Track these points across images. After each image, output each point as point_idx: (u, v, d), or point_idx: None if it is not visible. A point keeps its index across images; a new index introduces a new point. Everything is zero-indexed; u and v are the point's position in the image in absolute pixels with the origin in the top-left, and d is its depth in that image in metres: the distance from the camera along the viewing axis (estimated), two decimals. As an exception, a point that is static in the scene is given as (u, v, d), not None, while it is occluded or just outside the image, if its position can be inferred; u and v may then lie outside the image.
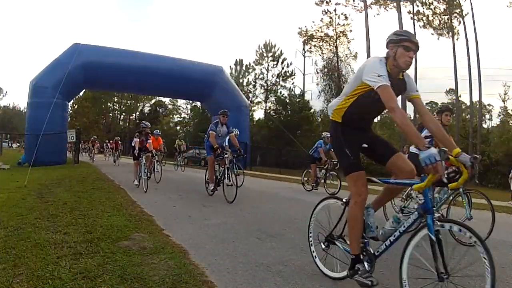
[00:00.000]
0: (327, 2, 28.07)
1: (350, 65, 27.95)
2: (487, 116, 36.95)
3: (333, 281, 2.56)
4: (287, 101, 30.68)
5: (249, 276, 2.58)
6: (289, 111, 28.97)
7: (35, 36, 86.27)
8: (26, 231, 3.40)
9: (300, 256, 3.12)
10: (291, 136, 21.86)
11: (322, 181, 8.66)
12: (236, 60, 36.98)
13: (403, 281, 2.14)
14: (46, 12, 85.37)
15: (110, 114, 50.88)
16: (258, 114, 36.41)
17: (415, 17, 25.76)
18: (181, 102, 45.44)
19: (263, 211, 5.48)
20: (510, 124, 27.97)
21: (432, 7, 25.63)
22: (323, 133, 9.17)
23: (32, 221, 3.82)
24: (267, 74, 34.35)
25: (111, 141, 24.61)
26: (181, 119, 47.92)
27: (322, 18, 29.43)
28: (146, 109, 48.51)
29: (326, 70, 28.12)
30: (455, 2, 24.73)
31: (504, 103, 32.35)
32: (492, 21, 43.48)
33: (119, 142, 19.32)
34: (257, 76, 34.75)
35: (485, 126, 30.09)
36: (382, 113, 2.62)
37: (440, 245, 2.02)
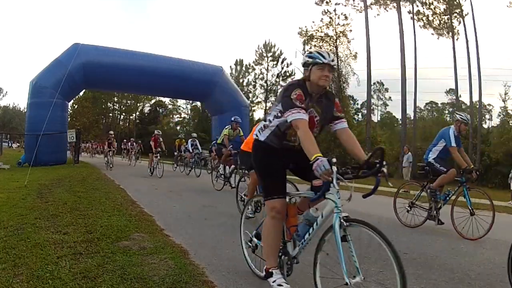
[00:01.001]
0: (327, 2, 28.01)
1: (350, 65, 27.91)
2: (487, 116, 36.90)
3: (333, 280, 2.56)
4: (287, 101, 30.64)
5: (249, 276, 2.58)
6: (289, 111, 28.96)
7: (35, 36, 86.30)
8: (26, 231, 3.40)
9: (300, 256, 3.12)
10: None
11: None
12: (236, 60, 37.06)
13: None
14: (46, 12, 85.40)
15: (110, 114, 50.84)
16: (258, 114, 36.40)
17: (415, 17, 25.73)
18: (181, 102, 45.49)
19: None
20: (510, 124, 27.96)
21: (432, 7, 25.62)
22: None
23: (32, 221, 3.81)
24: (267, 74, 34.40)
25: (131, 140, 20.24)
26: (181, 119, 47.94)
27: (322, 18, 29.37)
28: (146, 109, 48.51)
29: (326, 70, 28.06)
30: (455, 2, 24.71)
31: (504, 103, 32.32)
32: (492, 21, 43.45)
33: (161, 139, 11.80)
34: (257, 76, 34.79)
35: (485, 126, 30.11)
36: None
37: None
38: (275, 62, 34.09)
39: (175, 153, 14.96)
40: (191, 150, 12.80)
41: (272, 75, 34.24)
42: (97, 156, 26.19)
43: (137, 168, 15.79)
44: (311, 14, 71.60)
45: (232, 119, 7.99)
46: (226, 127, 8.00)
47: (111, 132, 16.37)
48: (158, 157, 11.22)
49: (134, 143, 18.95)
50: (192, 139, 13.19)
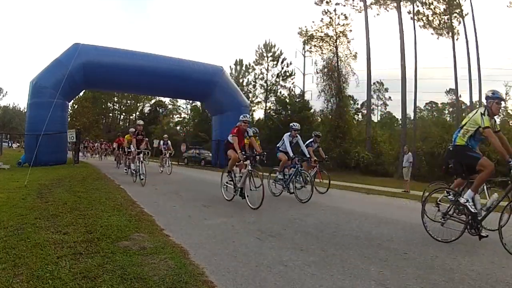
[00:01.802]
0: (327, 2, 28.00)
1: (350, 65, 27.87)
2: (487, 116, 36.81)
3: (333, 281, 2.56)
4: (287, 101, 30.67)
5: (249, 276, 2.58)
6: (289, 111, 28.95)
7: (35, 36, 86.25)
8: (26, 231, 3.40)
9: (300, 256, 3.12)
10: (291, 136, 21.87)
11: None
12: (236, 60, 37.00)
13: None
14: (46, 12, 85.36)
15: (110, 114, 50.89)
16: (258, 114, 36.36)
17: (415, 17, 25.72)
18: (181, 102, 45.52)
19: (263, 211, 5.48)
20: (510, 124, 27.95)
21: (432, 7, 25.61)
22: None
23: (32, 221, 3.81)
24: (267, 74, 34.34)
25: (164, 138, 13.68)
26: (181, 119, 47.96)
27: (322, 18, 29.33)
28: (146, 109, 48.54)
29: (326, 70, 28.06)
30: (455, 2, 24.71)
31: (505, 103, 32.32)
32: (492, 21, 43.40)
33: (250, 133, 6.76)
34: (257, 76, 34.73)
35: (485, 126, 30.00)
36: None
37: None
38: (275, 62, 34.04)
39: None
40: (291, 154, 7.23)
41: (272, 75, 34.20)
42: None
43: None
44: (311, 14, 71.60)
45: (491, 94, 4.13)
46: (480, 110, 4.11)
47: (141, 122, 10.99)
48: (249, 165, 5.92)
49: (168, 142, 13.43)
50: (293, 132, 7.63)
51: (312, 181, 6.95)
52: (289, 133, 7.61)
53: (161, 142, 13.62)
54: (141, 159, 8.64)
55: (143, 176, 8.25)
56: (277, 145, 7.91)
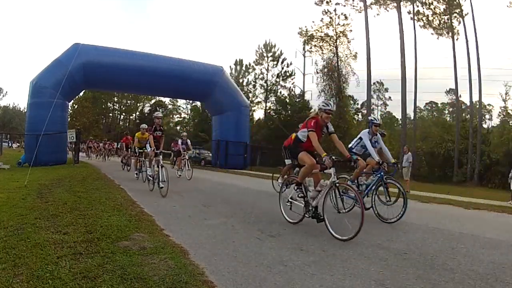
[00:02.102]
0: (327, 2, 28.08)
1: (350, 65, 27.92)
2: (487, 116, 36.89)
3: (333, 281, 2.56)
4: (287, 101, 30.72)
5: (249, 276, 2.58)
6: (289, 111, 28.99)
7: (35, 36, 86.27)
8: (26, 231, 3.40)
9: (300, 256, 3.12)
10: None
11: None
12: (236, 60, 37.04)
13: None
14: (46, 12, 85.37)
15: (110, 114, 50.87)
16: (258, 114, 36.41)
17: (415, 17, 25.77)
18: (181, 102, 45.58)
19: (263, 211, 5.48)
20: (510, 124, 27.95)
21: (432, 7, 25.65)
22: None
23: (32, 221, 3.81)
24: (267, 74, 34.39)
25: (182, 136, 12.19)
26: (181, 119, 47.98)
27: (322, 18, 29.41)
28: (146, 109, 48.52)
29: (326, 70, 28.10)
30: (455, 2, 24.73)
31: (504, 103, 32.31)
32: (492, 21, 43.42)
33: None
34: (257, 76, 34.78)
35: (485, 126, 30.08)
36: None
37: None
38: (275, 62, 34.10)
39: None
40: (377, 158, 5.47)
41: (272, 75, 34.27)
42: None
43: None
44: (311, 14, 71.67)
45: None
46: None
47: (159, 114, 8.94)
48: (334, 176, 4.02)
49: (188, 141, 11.73)
50: (373, 128, 5.73)
51: (405, 193, 5.14)
52: (367, 130, 5.68)
53: (179, 141, 11.85)
54: (161, 162, 6.97)
55: (164, 183, 6.61)
56: (349, 145, 5.91)
